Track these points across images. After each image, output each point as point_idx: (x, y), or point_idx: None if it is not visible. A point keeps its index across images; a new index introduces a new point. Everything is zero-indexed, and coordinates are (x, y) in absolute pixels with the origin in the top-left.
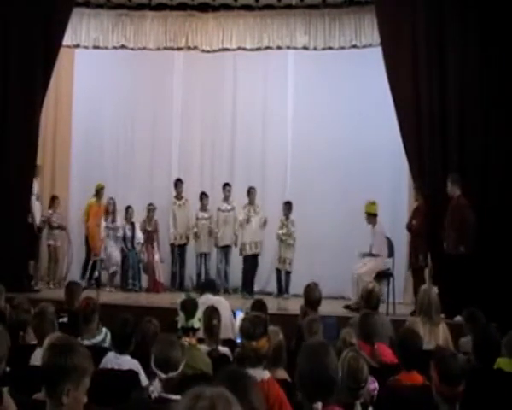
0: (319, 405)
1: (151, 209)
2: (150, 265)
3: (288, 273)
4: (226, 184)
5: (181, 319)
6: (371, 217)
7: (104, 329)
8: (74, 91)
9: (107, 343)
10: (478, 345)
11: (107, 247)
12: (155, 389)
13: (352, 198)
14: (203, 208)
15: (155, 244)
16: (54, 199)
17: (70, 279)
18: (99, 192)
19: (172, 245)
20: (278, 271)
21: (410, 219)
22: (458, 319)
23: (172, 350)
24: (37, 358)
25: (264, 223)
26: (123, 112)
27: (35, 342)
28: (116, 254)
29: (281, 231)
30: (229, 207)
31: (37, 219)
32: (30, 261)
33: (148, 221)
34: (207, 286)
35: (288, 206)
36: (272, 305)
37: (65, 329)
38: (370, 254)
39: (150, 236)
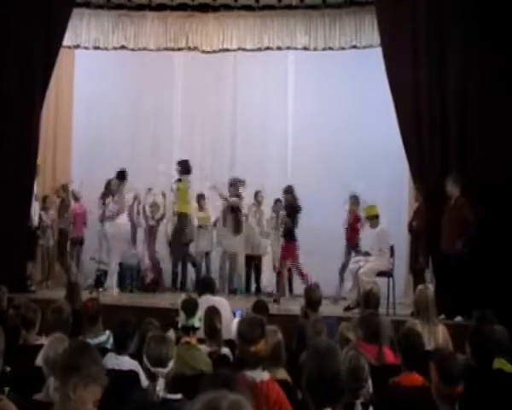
0: None
1: (154, 207)
2: (154, 262)
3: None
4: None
5: (181, 318)
6: (373, 220)
7: (107, 332)
8: (74, 92)
9: (109, 345)
10: (473, 344)
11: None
12: (161, 388)
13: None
14: (200, 209)
15: (156, 241)
16: (45, 199)
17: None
18: None
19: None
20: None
21: (410, 219)
22: (458, 319)
23: (164, 345)
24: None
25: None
26: (123, 113)
27: (38, 342)
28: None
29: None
30: None
31: (35, 220)
32: (27, 262)
33: (151, 216)
34: (207, 286)
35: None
36: (273, 306)
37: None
38: (365, 253)
39: (152, 231)
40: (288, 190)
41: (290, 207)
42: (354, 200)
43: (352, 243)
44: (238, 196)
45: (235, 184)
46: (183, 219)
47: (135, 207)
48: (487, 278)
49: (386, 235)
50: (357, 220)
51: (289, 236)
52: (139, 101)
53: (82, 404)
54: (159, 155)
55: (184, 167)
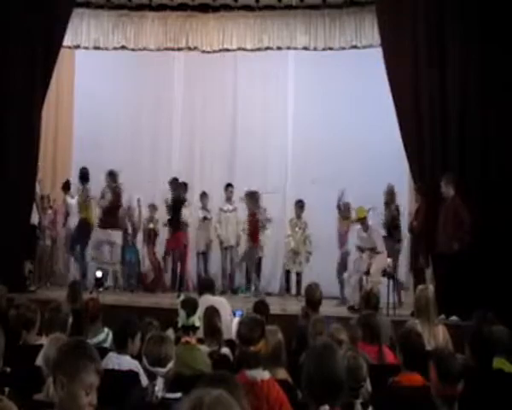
0: (326, 408)
1: (152, 209)
2: (154, 262)
3: (298, 274)
4: (228, 185)
5: (181, 317)
6: (364, 221)
7: (106, 329)
8: (75, 92)
9: (107, 343)
10: (473, 344)
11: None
12: (159, 388)
13: (352, 198)
14: (203, 207)
15: (156, 243)
16: (42, 199)
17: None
18: None
19: None
20: (287, 272)
21: (411, 219)
22: (454, 318)
23: (164, 345)
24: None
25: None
26: (123, 113)
27: (38, 342)
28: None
29: (291, 238)
30: (231, 207)
31: (36, 219)
32: (27, 262)
33: (150, 220)
34: (206, 286)
35: (300, 204)
36: (274, 306)
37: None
38: (371, 249)
39: (153, 234)
40: (172, 183)
41: (174, 199)
42: (250, 196)
43: (255, 241)
44: (118, 187)
45: (112, 175)
46: (82, 224)
47: (136, 209)
48: (487, 277)
49: (379, 232)
50: (256, 219)
51: (175, 226)
52: (139, 101)
53: (72, 399)
54: (159, 155)
55: (82, 175)
